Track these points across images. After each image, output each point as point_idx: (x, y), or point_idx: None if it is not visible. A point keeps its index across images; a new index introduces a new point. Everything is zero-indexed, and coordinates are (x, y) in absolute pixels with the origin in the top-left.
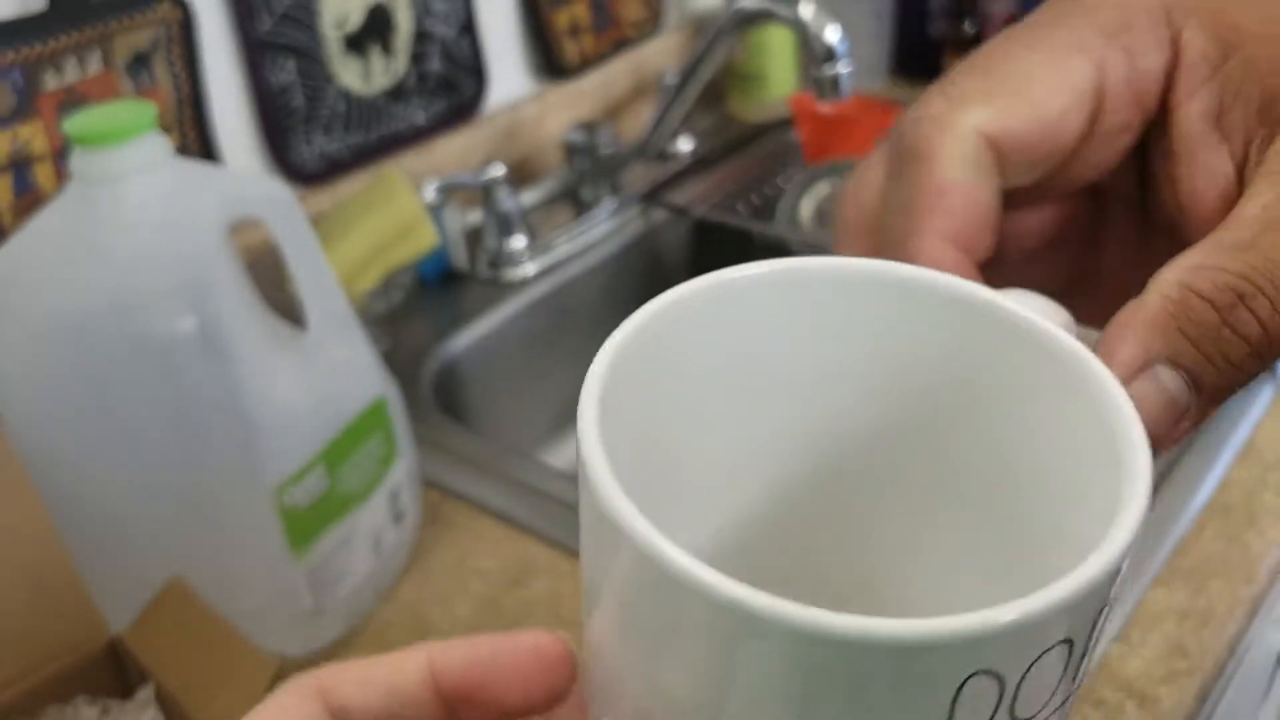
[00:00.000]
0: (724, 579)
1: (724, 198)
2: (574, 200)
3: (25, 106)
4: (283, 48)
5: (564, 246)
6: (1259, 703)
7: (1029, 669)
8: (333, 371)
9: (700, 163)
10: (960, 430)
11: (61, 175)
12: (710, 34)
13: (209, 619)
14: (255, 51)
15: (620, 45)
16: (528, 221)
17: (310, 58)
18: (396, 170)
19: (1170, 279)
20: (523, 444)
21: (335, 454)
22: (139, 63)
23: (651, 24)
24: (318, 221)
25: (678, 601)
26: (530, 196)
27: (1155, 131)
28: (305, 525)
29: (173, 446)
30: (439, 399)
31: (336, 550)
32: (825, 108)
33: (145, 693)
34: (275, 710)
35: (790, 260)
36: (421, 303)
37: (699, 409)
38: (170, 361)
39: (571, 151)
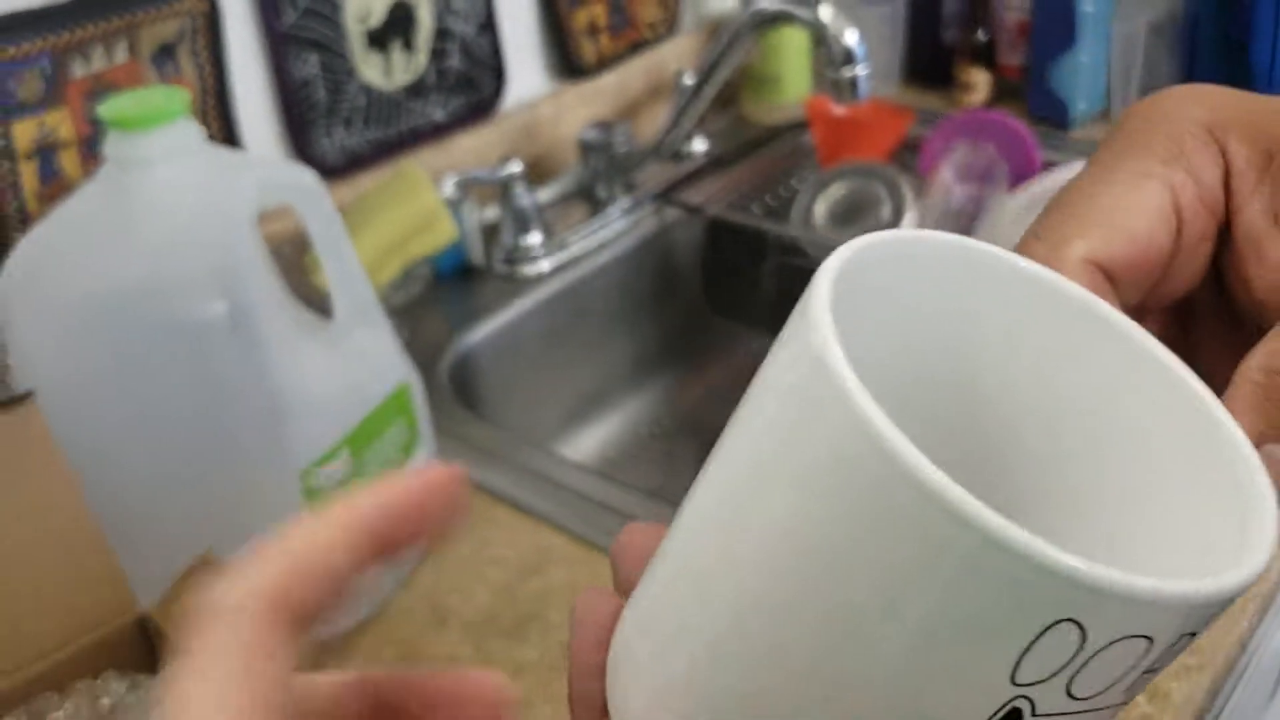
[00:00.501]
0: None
1: (738, 198)
2: (589, 198)
3: (53, 94)
4: (306, 42)
5: (579, 243)
6: (1265, 703)
7: (1111, 645)
8: (358, 358)
9: (714, 163)
10: (1091, 453)
11: (87, 163)
12: (728, 34)
13: None
14: (279, 45)
15: (637, 46)
16: (543, 218)
17: (333, 52)
18: (416, 165)
19: (1253, 364)
20: (536, 437)
21: (360, 439)
22: (165, 53)
23: (668, 25)
24: (340, 214)
25: (898, 495)
26: (546, 194)
27: (1224, 240)
28: None
29: (202, 428)
30: (455, 391)
31: None
32: (839, 110)
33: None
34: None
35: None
36: (438, 296)
37: (892, 353)
38: (201, 344)
39: (587, 150)
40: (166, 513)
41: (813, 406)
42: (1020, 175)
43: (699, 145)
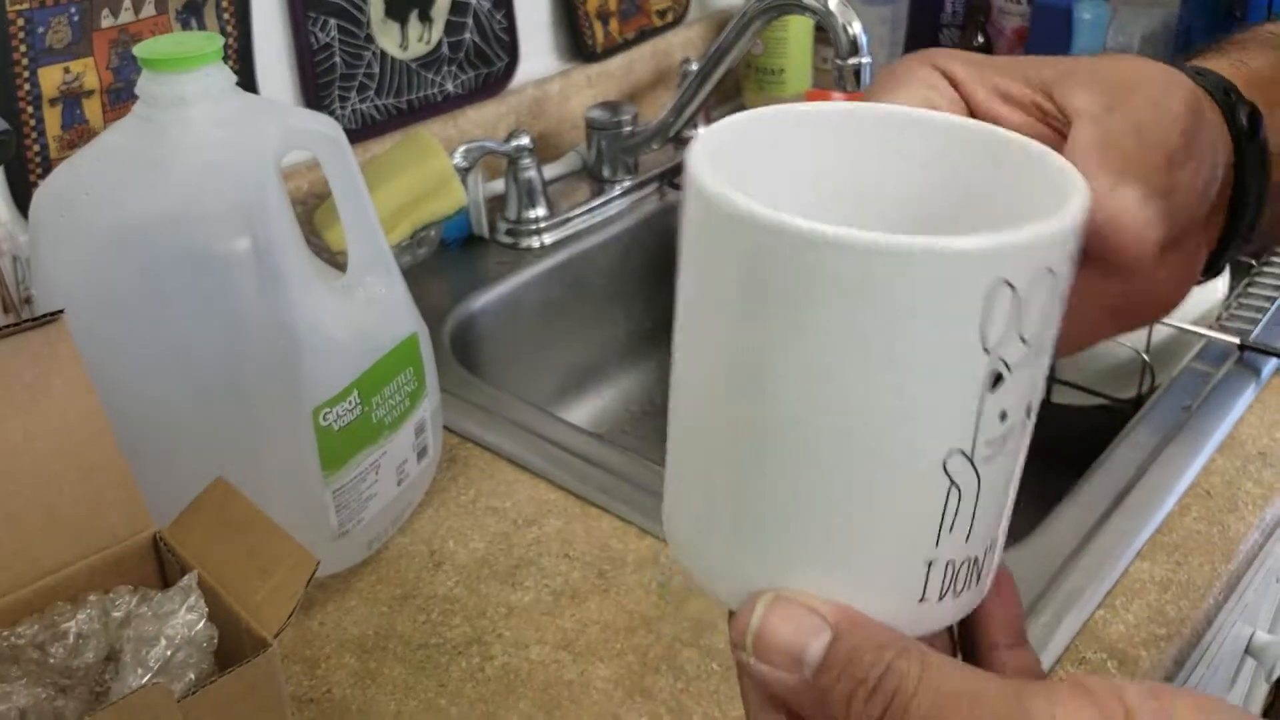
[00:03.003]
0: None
1: None
2: (593, 176)
3: (80, 42)
4: (327, 7)
5: (581, 220)
6: (1227, 687)
7: (1032, 283)
8: (371, 305)
9: None
10: (963, 215)
11: (109, 111)
12: (737, 21)
13: (251, 515)
14: (301, 9)
15: (645, 32)
16: (547, 193)
17: (352, 19)
18: (428, 132)
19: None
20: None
21: (369, 383)
22: (190, 10)
23: (677, 14)
24: None
25: (766, 240)
26: (551, 170)
27: None
28: (338, 447)
29: (221, 359)
30: (456, 354)
31: (364, 475)
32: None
33: (187, 580)
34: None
35: (850, 104)
36: (443, 263)
37: (774, 190)
38: (223, 278)
39: (593, 129)
40: (182, 440)
41: (705, 218)
42: None
43: (702, 131)
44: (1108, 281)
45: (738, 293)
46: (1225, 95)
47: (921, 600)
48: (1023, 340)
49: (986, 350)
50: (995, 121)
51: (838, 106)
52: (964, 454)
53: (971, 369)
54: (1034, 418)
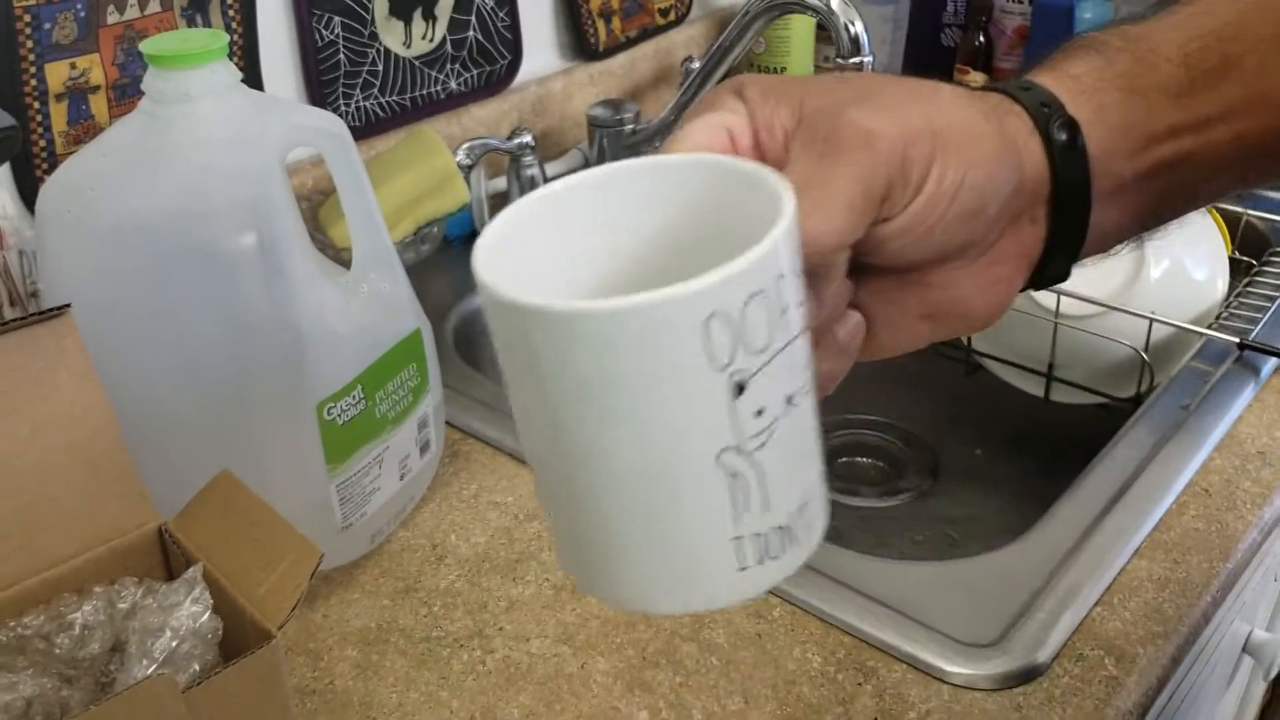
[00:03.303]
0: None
1: None
2: None
3: (86, 38)
4: (332, 5)
5: None
6: (1223, 687)
7: (744, 309)
8: (374, 301)
9: None
10: (707, 246)
11: (115, 107)
12: (739, 19)
13: (256, 507)
14: (306, 7)
15: (648, 30)
16: None
17: (357, 17)
18: (431, 129)
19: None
20: None
21: (373, 378)
22: (195, 6)
23: (679, 13)
24: None
25: (519, 319)
26: (554, 168)
27: None
28: (341, 442)
29: (226, 354)
30: (459, 349)
31: (367, 469)
32: None
33: (192, 573)
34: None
35: (609, 165)
36: (446, 260)
37: (556, 266)
38: (229, 274)
39: (595, 127)
40: (187, 433)
41: (490, 307)
42: None
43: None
44: (905, 290)
45: (517, 364)
46: (1041, 109)
47: (743, 569)
48: (753, 352)
49: (719, 370)
50: (763, 148)
51: (596, 172)
52: (733, 449)
53: (712, 388)
54: (804, 399)
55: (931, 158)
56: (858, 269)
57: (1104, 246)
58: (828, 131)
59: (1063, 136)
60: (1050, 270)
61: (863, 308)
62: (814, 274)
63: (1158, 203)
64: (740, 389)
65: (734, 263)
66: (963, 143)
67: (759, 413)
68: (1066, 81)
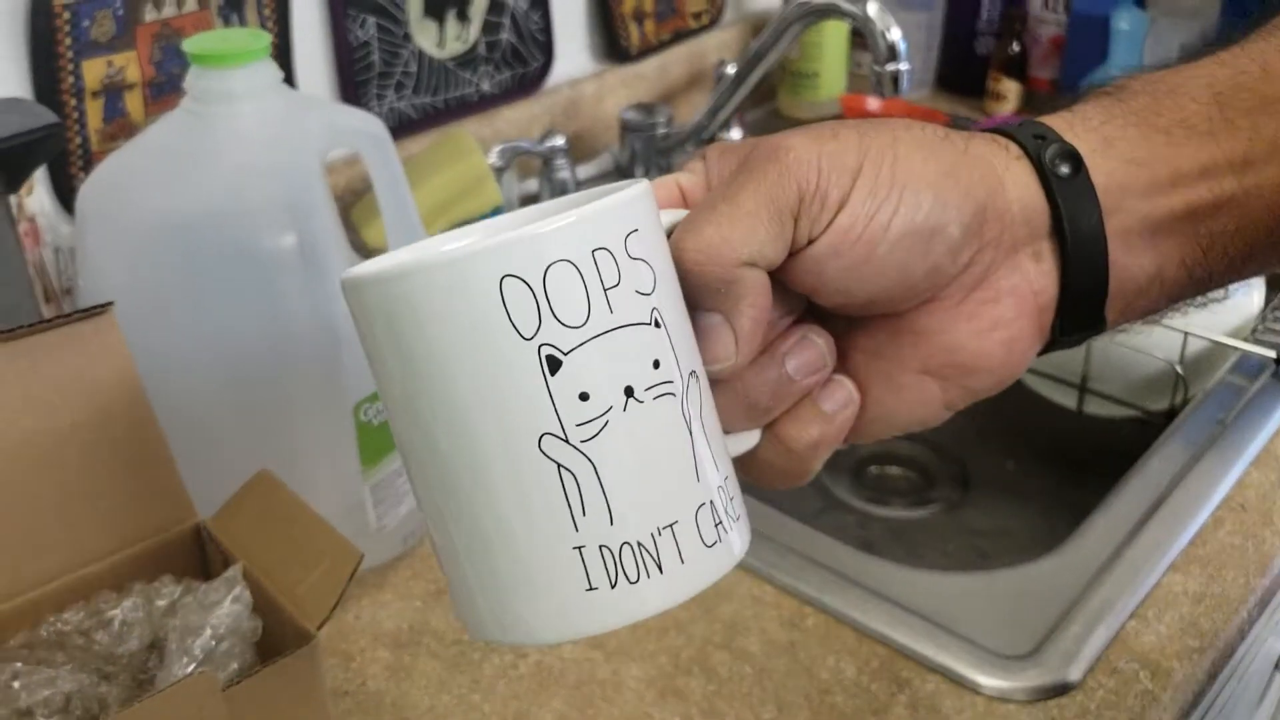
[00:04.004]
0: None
1: None
2: (626, 178)
3: (123, 35)
4: (366, 5)
5: None
6: (1254, 706)
7: (545, 276)
8: None
9: None
10: None
11: (150, 105)
12: (774, 25)
13: (296, 506)
14: (340, 6)
15: (680, 34)
16: None
17: (391, 17)
18: (465, 131)
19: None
20: None
21: None
22: (231, 5)
23: (712, 16)
24: None
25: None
26: (585, 170)
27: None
28: (377, 443)
29: (265, 353)
30: None
31: (401, 472)
32: (874, 107)
33: (232, 571)
34: None
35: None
36: None
37: None
38: (269, 274)
39: (627, 130)
40: (226, 432)
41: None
42: None
43: (735, 134)
44: (898, 343)
45: (366, 350)
46: (1034, 139)
47: (591, 590)
48: (565, 325)
49: (527, 340)
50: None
51: (478, 228)
52: (557, 436)
53: (520, 358)
54: (664, 400)
55: (856, 170)
56: (838, 324)
57: (1149, 300)
58: (750, 154)
59: (1062, 167)
60: (1074, 318)
61: (857, 372)
62: (724, 295)
63: (1207, 252)
64: (554, 365)
65: (528, 227)
66: (903, 158)
67: (584, 397)
68: (1068, 117)
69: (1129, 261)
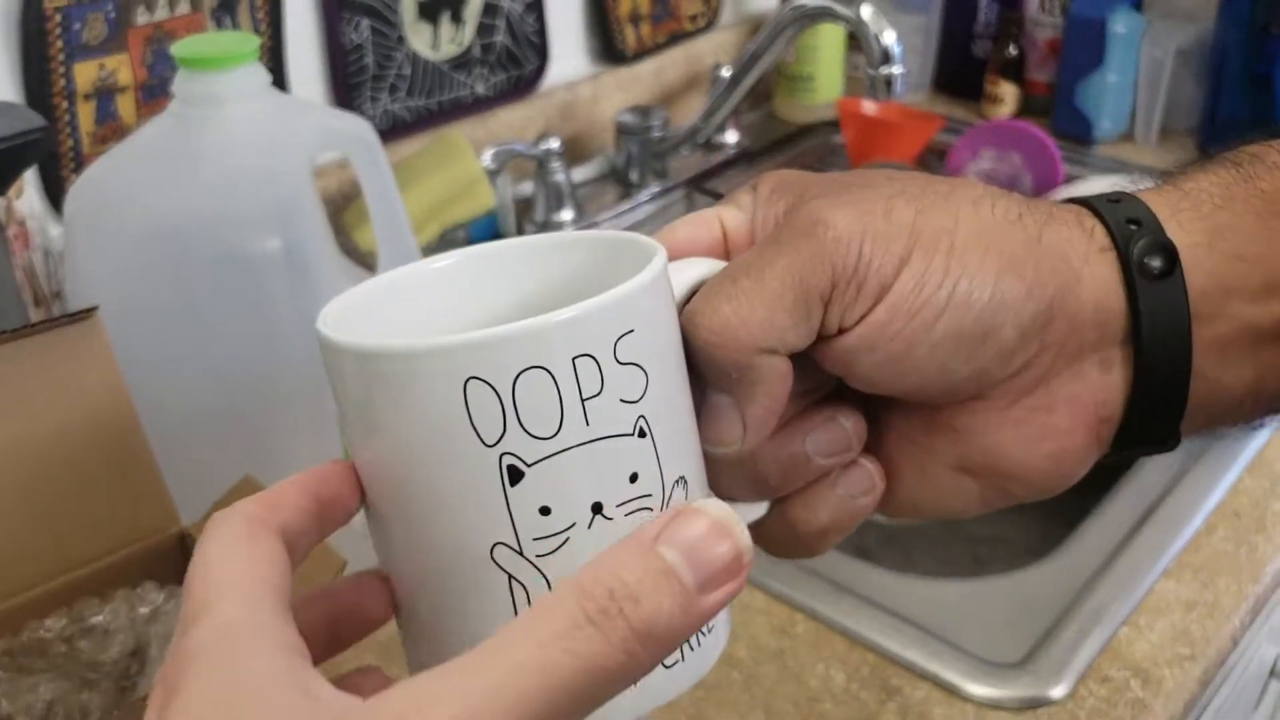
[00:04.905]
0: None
1: None
2: (621, 181)
3: (115, 38)
4: (360, 7)
5: (609, 223)
6: (1249, 712)
7: (515, 382)
8: None
9: (745, 155)
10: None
11: (143, 108)
12: (770, 28)
13: None
14: (334, 8)
15: (676, 36)
16: (576, 197)
17: (385, 19)
18: (459, 133)
19: None
20: None
21: None
22: (224, 8)
23: (708, 19)
24: None
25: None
26: (580, 173)
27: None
28: None
29: (251, 359)
30: None
31: None
32: (870, 111)
33: None
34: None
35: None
36: None
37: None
38: (255, 278)
39: (623, 133)
40: (211, 437)
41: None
42: (1043, 187)
43: (731, 137)
44: (934, 435)
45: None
46: (1126, 225)
47: None
48: (533, 436)
49: (489, 446)
50: (756, 241)
51: (455, 254)
52: (511, 548)
53: (479, 463)
54: (625, 513)
55: (903, 259)
56: (872, 399)
57: (1240, 414)
58: (787, 219)
59: (1153, 262)
60: (1141, 433)
61: (888, 453)
62: (737, 381)
63: None
64: (515, 475)
65: (496, 329)
66: (961, 246)
67: (544, 511)
68: (1175, 196)
69: (1222, 374)
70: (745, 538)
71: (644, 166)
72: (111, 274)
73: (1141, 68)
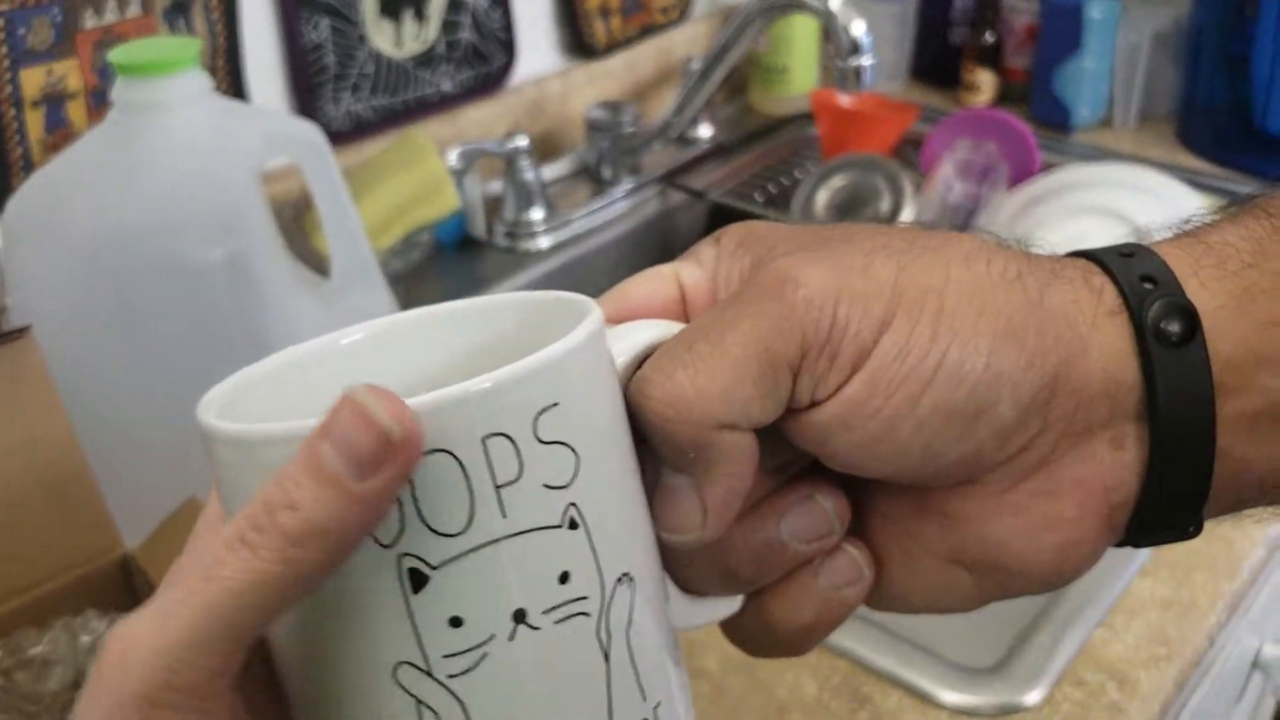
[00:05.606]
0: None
1: (741, 184)
2: (593, 177)
3: (63, 43)
4: (319, 5)
5: (581, 221)
6: (1232, 704)
7: (414, 470)
8: (354, 315)
9: (719, 149)
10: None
11: (94, 113)
12: (739, 20)
13: None
14: (292, 7)
15: (648, 29)
16: (547, 194)
17: (345, 18)
18: (422, 133)
19: None
20: None
21: None
22: (177, 9)
23: (680, 11)
24: (344, 177)
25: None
26: (551, 170)
27: None
28: None
29: (195, 372)
30: None
31: None
32: (845, 102)
33: None
34: None
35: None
36: (438, 266)
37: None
38: (198, 290)
39: (594, 129)
40: (155, 455)
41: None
42: (1020, 175)
43: (705, 131)
44: (925, 522)
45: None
46: (1140, 284)
47: None
48: (437, 532)
49: (384, 546)
50: (718, 299)
51: (372, 323)
52: (416, 668)
53: (375, 568)
54: (555, 620)
55: (884, 322)
56: (855, 483)
57: (1275, 495)
58: (753, 277)
59: (1171, 326)
60: (1158, 519)
61: (873, 538)
62: (694, 460)
63: None
64: (419, 581)
65: (446, 390)
66: (951, 309)
67: (455, 622)
68: (1198, 251)
69: (1250, 452)
70: (386, 415)
71: (616, 163)
72: (52, 287)
73: (1118, 53)
